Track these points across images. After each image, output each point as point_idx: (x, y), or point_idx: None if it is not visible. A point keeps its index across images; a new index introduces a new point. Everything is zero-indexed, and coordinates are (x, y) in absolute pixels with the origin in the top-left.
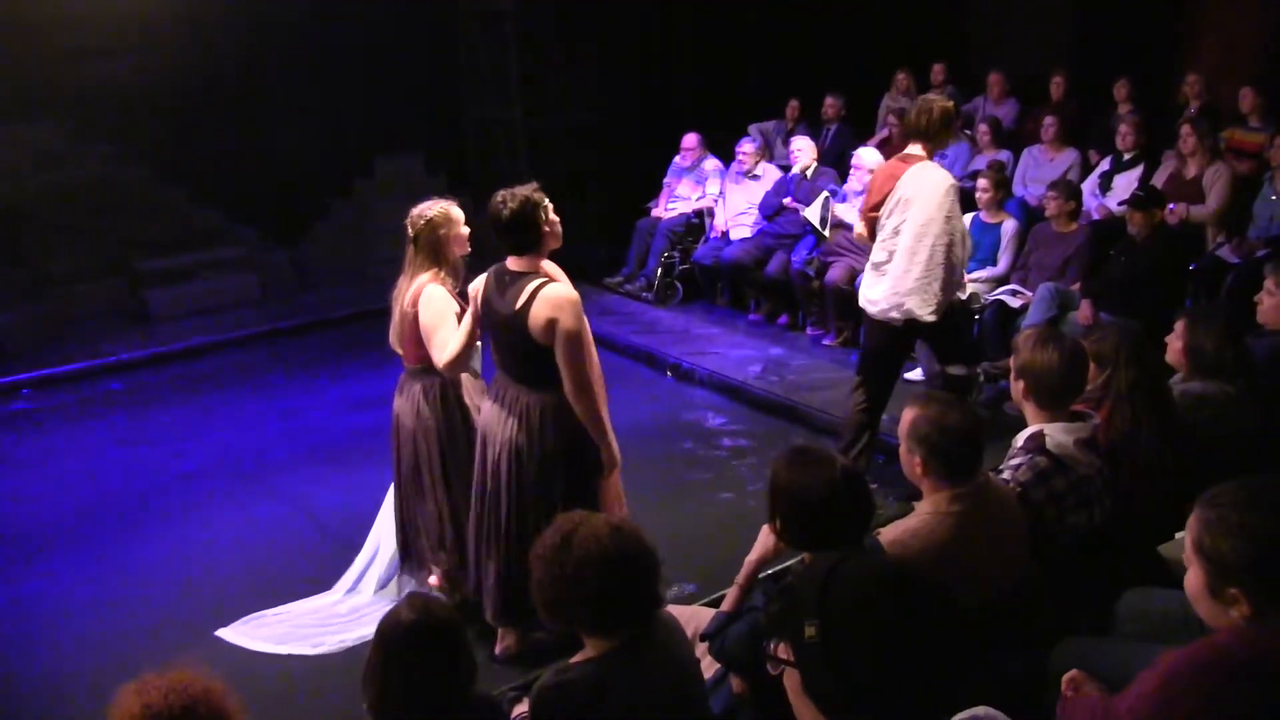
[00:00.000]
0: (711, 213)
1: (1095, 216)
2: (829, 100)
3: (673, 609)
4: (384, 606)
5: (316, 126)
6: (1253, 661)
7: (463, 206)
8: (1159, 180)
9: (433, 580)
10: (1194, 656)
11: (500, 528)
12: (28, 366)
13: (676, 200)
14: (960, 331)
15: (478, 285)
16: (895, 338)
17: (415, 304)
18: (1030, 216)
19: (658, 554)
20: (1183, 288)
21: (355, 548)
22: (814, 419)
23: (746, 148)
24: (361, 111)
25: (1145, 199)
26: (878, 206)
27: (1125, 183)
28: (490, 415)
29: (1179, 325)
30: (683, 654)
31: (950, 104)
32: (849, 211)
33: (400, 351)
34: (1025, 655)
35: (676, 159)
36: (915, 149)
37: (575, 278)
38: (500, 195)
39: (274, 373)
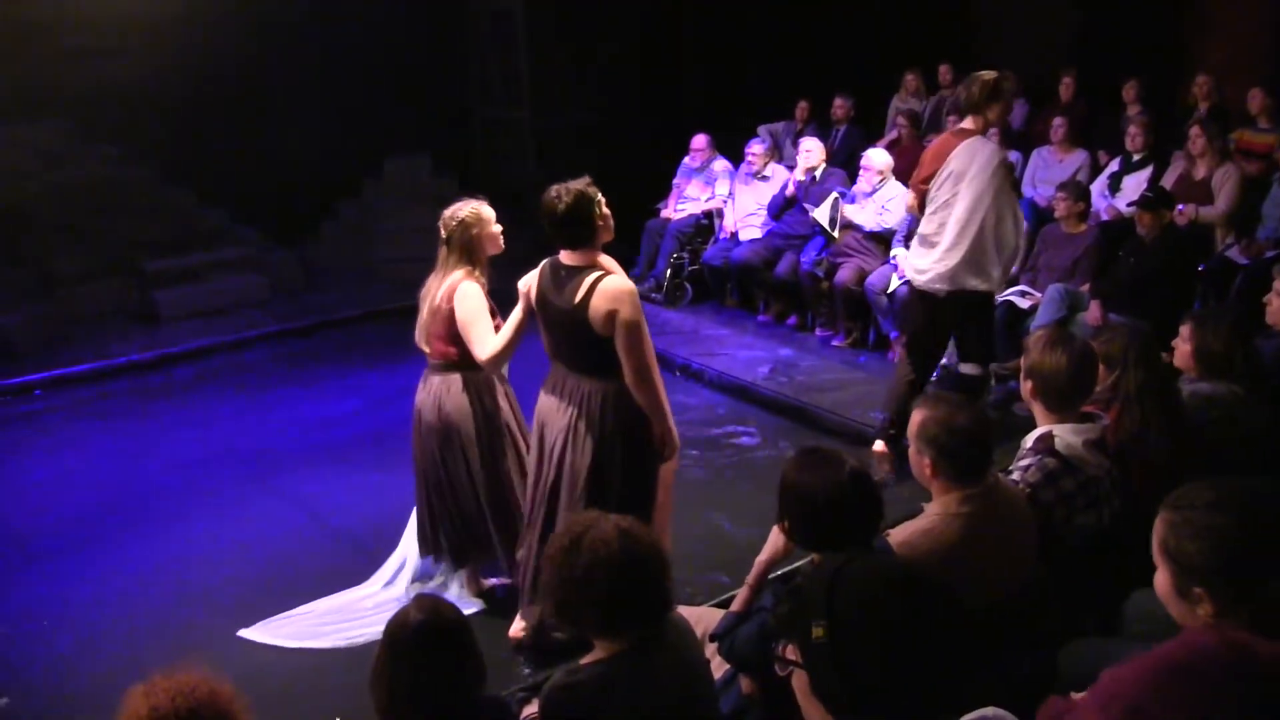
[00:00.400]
0: (721, 214)
1: (1104, 217)
2: (838, 101)
3: (682, 609)
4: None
5: (323, 126)
6: (1215, 663)
7: None
8: (1168, 181)
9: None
10: (1154, 664)
11: (558, 514)
12: (34, 367)
13: (686, 201)
14: (987, 329)
15: (530, 281)
16: (936, 309)
17: (450, 300)
18: (1040, 217)
19: (668, 557)
20: (1192, 289)
21: (360, 548)
22: (824, 420)
23: (756, 149)
24: (368, 111)
25: (1154, 200)
26: (929, 179)
27: (1134, 184)
28: (548, 405)
29: (1185, 328)
30: (692, 655)
31: (995, 74)
32: (858, 213)
33: (426, 348)
34: (1033, 656)
35: (686, 160)
36: (968, 123)
37: None
38: (555, 190)
39: (280, 373)
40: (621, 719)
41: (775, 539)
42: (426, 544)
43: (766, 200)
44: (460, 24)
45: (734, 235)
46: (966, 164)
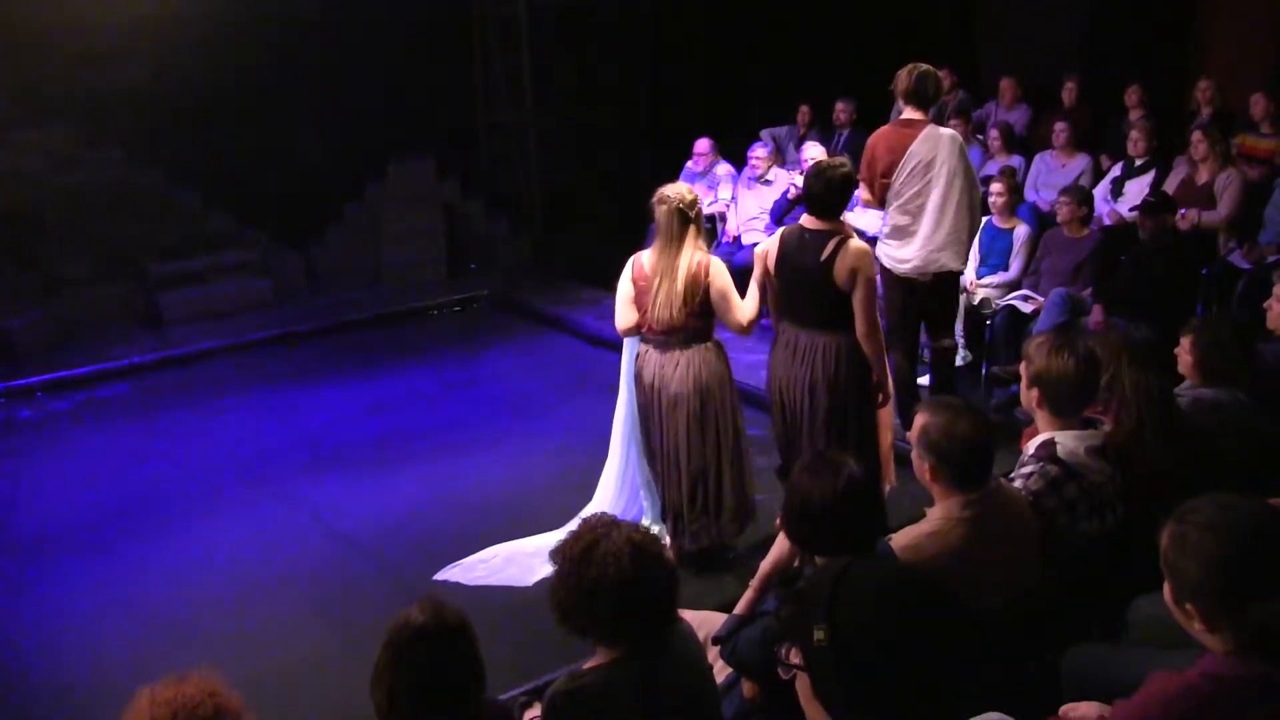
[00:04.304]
0: (724, 217)
1: (1107, 222)
2: (840, 105)
3: (685, 613)
4: None
5: (329, 130)
6: (1238, 695)
7: (472, 208)
8: (1170, 186)
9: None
10: (1167, 690)
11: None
12: (40, 369)
13: None
14: (953, 302)
15: (768, 247)
16: (917, 293)
17: (706, 273)
18: (1042, 222)
19: (676, 570)
20: (1194, 293)
21: (365, 551)
22: None
23: (759, 152)
24: (372, 115)
25: (1157, 204)
26: (888, 173)
27: (1137, 188)
28: (782, 360)
29: (1186, 339)
30: (696, 659)
31: (931, 67)
32: (860, 217)
33: (669, 322)
34: (1036, 661)
35: (689, 164)
36: (915, 114)
37: (585, 281)
38: (822, 164)
39: (285, 376)
40: None
41: (780, 543)
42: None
43: (769, 204)
44: (464, 28)
45: (737, 239)
46: (931, 152)
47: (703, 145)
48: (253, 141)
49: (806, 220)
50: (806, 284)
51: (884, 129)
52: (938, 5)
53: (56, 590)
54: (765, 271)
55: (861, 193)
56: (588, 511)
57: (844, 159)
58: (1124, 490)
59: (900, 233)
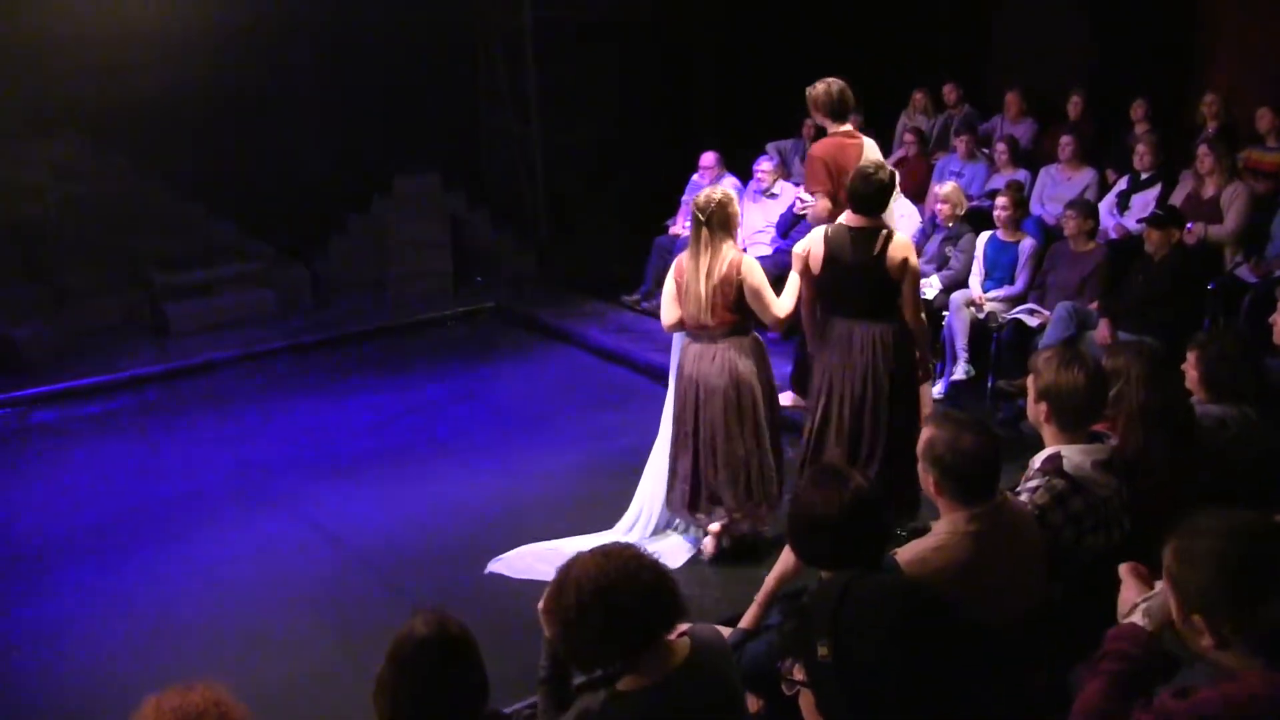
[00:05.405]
0: None
1: (1112, 235)
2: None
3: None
4: (656, 547)
5: (334, 142)
6: (1271, 711)
7: (477, 220)
8: (1176, 199)
9: (714, 527)
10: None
11: (878, 434)
12: (46, 380)
13: None
14: None
15: (808, 246)
16: None
17: (739, 272)
18: (1048, 235)
19: (658, 566)
20: (1200, 307)
21: (370, 562)
22: None
23: (764, 166)
24: (379, 128)
25: (1164, 218)
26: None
27: (1142, 202)
28: (838, 351)
29: (1192, 353)
30: (724, 678)
31: (840, 80)
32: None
33: (708, 320)
34: (1042, 676)
35: (695, 177)
36: (848, 126)
37: (591, 293)
38: (871, 165)
39: (289, 387)
40: None
41: (786, 556)
42: (681, 501)
43: (775, 217)
44: (469, 40)
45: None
46: (874, 157)
47: (708, 159)
48: (258, 153)
49: (850, 219)
50: (859, 277)
51: (830, 142)
52: (943, 19)
53: (61, 599)
54: (805, 270)
55: (821, 203)
56: (635, 504)
57: (882, 163)
58: (1130, 505)
59: None
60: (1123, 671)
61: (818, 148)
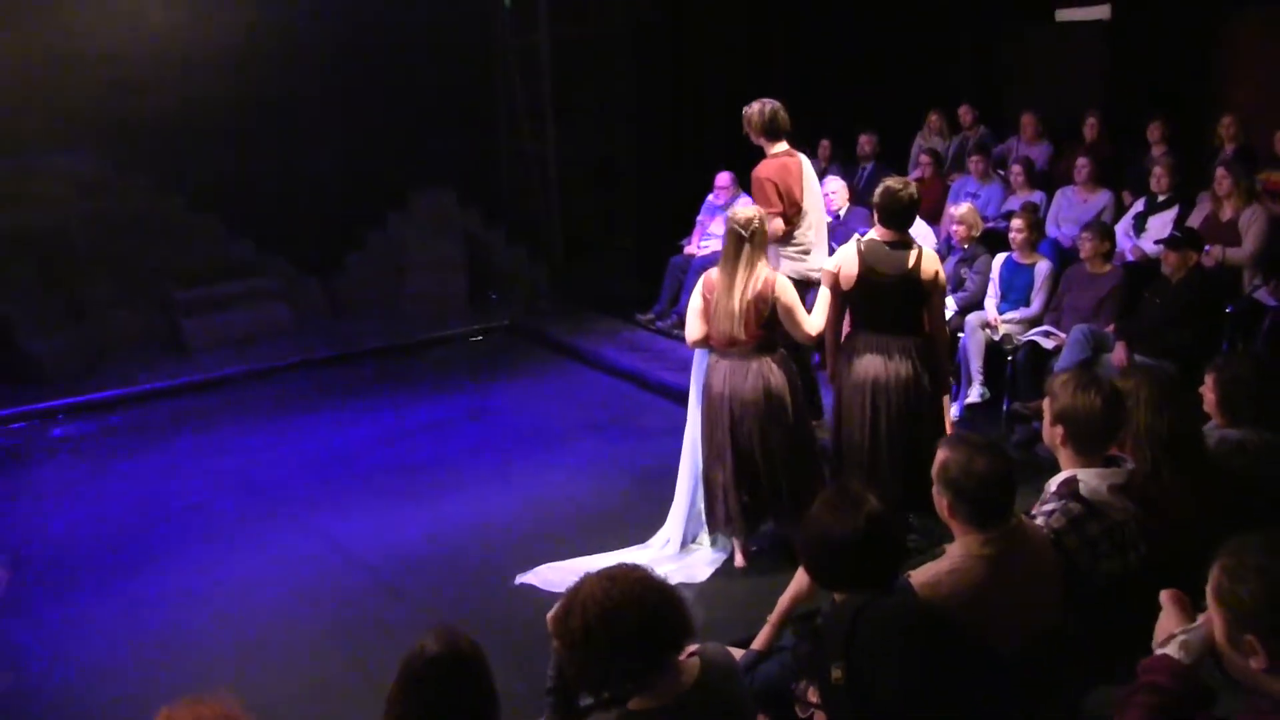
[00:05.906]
0: None
1: (1129, 258)
2: (864, 138)
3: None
4: (686, 560)
5: (351, 159)
6: None
7: (493, 238)
8: (1194, 222)
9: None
10: None
11: (905, 446)
12: (64, 394)
13: (710, 238)
14: None
15: (840, 263)
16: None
17: (773, 290)
18: (1064, 258)
19: (665, 588)
20: (1219, 330)
21: (382, 578)
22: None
23: (723, 181)
24: (396, 144)
25: (1182, 240)
26: (797, 202)
27: (1159, 224)
28: (872, 365)
29: (1210, 377)
30: (734, 699)
31: (773, 101)
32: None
33: (739, 336)
34: (1057, 702)
35: (710, 197)
36: (783, 145)
37: (605, 311)
38: (897, 182)
39: (305, 403)
40: None
41: (800, 578)
42: (713, 517)
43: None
44: (486, 57)
45: None
46: (812, 179)
47: (724, 179)
48: (276, 170)
49: (881, 234)
50: (894, 291)
51: (774, 163)
52: (959, 41)
53: (76, 611)
54: (835, 285)
55: (775, 223)
56: (671, 519)
57: (908, 180)
58: (1147, 529)
59: (805, 250)
60: (1158, 704)
61: (762, 170)
